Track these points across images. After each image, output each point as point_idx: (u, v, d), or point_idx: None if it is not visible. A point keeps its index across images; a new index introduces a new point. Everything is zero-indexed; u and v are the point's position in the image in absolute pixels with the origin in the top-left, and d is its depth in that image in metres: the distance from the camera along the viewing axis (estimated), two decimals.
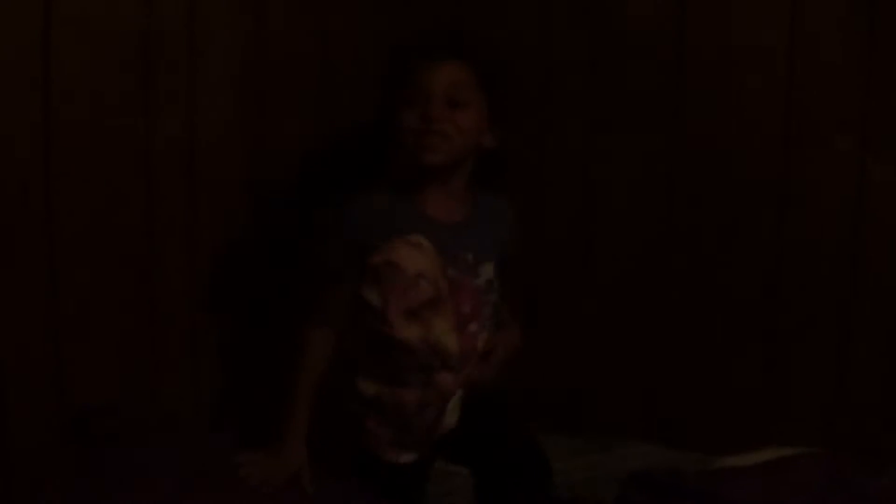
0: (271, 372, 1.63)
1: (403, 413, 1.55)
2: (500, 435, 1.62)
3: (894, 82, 1.99)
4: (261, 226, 1.83)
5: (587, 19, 2.14)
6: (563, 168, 2.15)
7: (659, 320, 2.15)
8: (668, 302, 2.14)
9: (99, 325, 1.58)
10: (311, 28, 1.88)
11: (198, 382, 1.75)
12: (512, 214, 1.71)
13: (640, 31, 2.17)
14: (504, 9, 2.12)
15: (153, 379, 1.68)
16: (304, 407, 1.57)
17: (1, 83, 1.41)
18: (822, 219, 2.06)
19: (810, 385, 2.07)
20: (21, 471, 1.50)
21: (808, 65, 2.06)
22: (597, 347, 2.18)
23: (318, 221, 1.69)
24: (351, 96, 1.93)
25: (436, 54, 1.60)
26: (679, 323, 2.15)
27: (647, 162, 2.14)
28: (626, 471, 1.75)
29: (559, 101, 2.14)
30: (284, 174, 1.85)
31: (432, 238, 1.55)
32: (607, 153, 2.12)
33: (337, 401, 1.61)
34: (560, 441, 1.99)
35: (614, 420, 2.18)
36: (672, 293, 2.13)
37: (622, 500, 1.65)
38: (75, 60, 1.49)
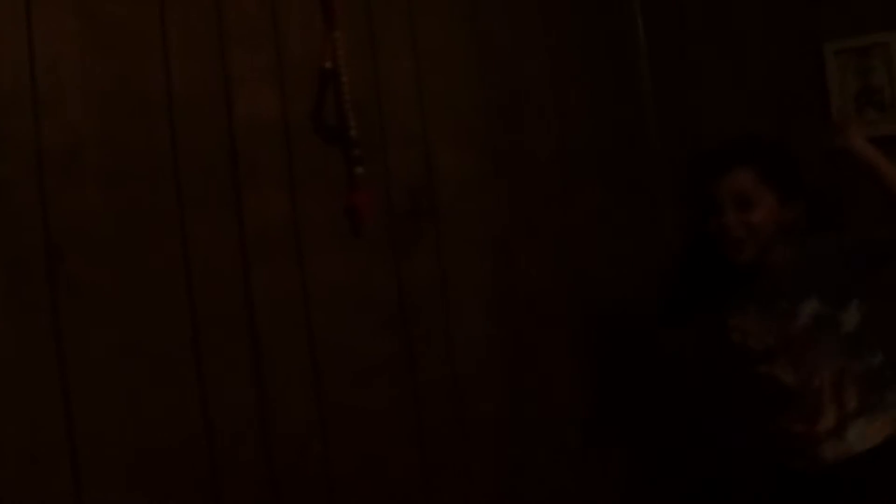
0: None
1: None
2: None
3: None
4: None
5: None
6: None
7: None
8: None
9: None
10: (555, 268, 1.99)
11: None
12: (848, 241, 1.78)
13: None
14: None
15: None
16: None
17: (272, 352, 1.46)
18: None
19: None
20: None
21: None
22: None
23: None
24: (602, 319, 1.99)
25: (718, 165, 1.77)
26: None
27: None
28: None
29: None
30: (542, 409, 1.91)
31: (748, 298, 1.80)
32: None
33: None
34: None
35: None
36: None
37: None
38: (337, 325, 1.55)
